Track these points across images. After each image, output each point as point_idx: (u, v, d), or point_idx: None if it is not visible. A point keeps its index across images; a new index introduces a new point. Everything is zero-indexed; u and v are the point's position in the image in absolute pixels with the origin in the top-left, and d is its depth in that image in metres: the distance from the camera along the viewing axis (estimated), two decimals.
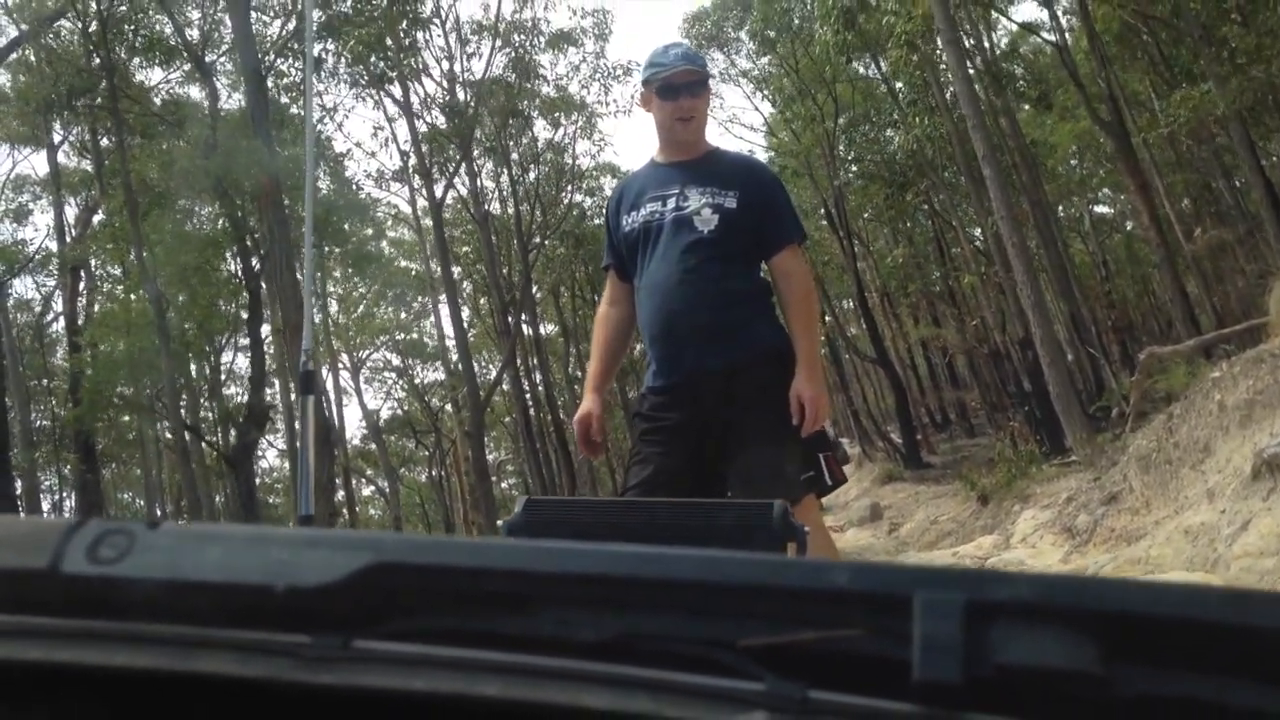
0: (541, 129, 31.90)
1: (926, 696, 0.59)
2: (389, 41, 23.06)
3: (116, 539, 0.71)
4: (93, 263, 27.17)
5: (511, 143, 30.63)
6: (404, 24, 23.49)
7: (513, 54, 28.67)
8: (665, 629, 0.65)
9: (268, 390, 24.91)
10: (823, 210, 29.38)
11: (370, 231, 34.38)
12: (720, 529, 1.61)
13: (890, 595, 0.63)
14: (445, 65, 27.70)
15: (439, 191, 26.98)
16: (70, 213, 28.21)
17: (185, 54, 20.92)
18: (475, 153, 28.67)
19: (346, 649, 0.64)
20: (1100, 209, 38.05)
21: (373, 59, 21.90)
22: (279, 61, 20.01)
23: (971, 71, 18.56)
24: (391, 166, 28.75)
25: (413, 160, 27.64)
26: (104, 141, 22.92)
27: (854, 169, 29.57)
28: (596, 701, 0.60)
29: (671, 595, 0.67)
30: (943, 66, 22.91)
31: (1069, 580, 0.67)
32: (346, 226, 27.49)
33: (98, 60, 19.98)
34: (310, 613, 0.67)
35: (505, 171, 31.07)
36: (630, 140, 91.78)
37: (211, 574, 0.69)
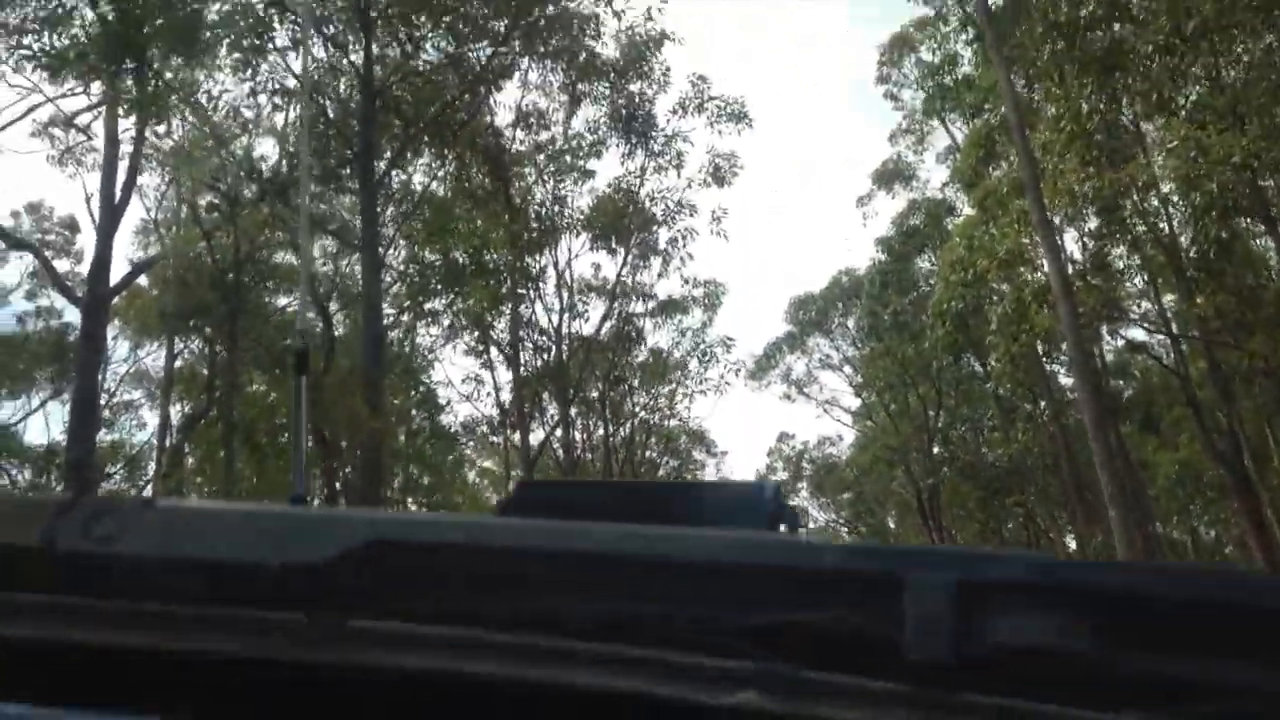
0: (641, 395, 32.15)
1: (919, 676, 0.59)
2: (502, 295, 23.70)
3: (112, 516, 0.70)
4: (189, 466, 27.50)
5: (605, 400, 30.85)
6: (519, 279, 24.21)
7: (620, 316, 29.23)
8: (657, 609, 0.65)
9: None
10: (915, 502, 28.79)
11: (452, 459, 34.42)
12: (712, 510, 1.71)
13: (882, 575, 0.63)
14: (554, 319, 28.27)
15: (534, 440, 27.03)
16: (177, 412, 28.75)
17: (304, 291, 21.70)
18: (571, 405, 28.87)
19: (342, 627, 0.64)
20: (1202, 531, 36.72)
21: (486, 314, 22.48)
22: (400, 316, 20.56)
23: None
24: (487, 414, 28.80)
25: (509, 408, 27.86)
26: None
27: (949, 467, 29.10)
28: (590, 680, 0.60)
29: (664, 575, 0.66)
30: (1054, 371, 22.83)
31: (1061, 561, 0.66)
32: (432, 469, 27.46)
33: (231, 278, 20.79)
34: (306, 591, 0.66)
35: (601, 427, 31.17)
36: (725, 416, 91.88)
37: (207, 552, 0.68)
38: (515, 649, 0.62)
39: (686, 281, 29.49)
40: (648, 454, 32.98)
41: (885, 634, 0.59)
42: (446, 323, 23.68)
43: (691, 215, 25.93)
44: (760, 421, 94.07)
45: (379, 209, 17.13)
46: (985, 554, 0.66)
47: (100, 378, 25.38)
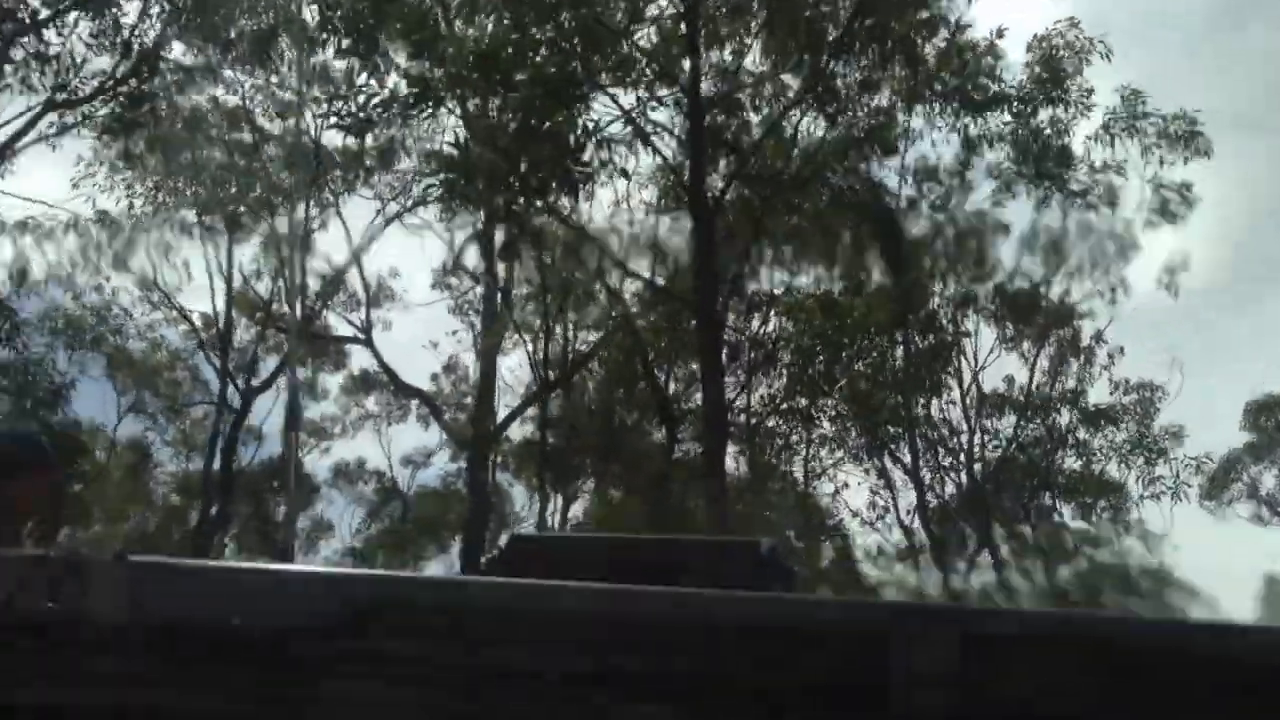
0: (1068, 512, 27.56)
1: None
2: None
3: (81, 574, 0.67)
4: None
5: (1031, 528, 26.72)
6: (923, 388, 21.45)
7: (1039, 428, 25.39)
8: (649, 666, 0.63)
9: None
10: None
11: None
12: (705, 566, 1.95)
13: (877, 630, 0.61)
14: (962, 439, 24.92)
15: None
16: None
17: None
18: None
19: (315, 687, 0.63)
20: None
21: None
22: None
23: None
24: (895, 543, 25.64)
25: (922, 538, 24.74)
26: None
27: None
28: None
29: (654, 632, 0.64)
30: None
31: (1058, 615, 0.73)
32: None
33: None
34: (279, 650, 0.64)
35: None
36: (1180, 547, 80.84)
37: (177, 610, 0.66)
38: (504, 711, 0.64)
39: (1117, 387, 25.15)
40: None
41: (880, 688, 0.63)
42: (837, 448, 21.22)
43: (1121, 295, 21.08)
44: (1228, 553, 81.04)
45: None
46: (982, 610, 0.61)
47: (489, 528, 24.96)
